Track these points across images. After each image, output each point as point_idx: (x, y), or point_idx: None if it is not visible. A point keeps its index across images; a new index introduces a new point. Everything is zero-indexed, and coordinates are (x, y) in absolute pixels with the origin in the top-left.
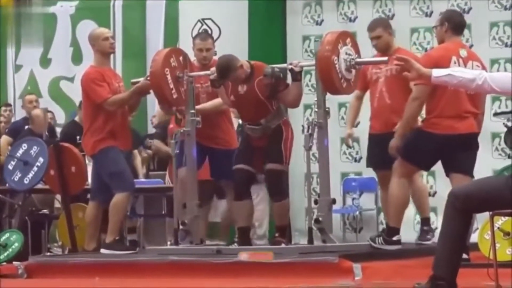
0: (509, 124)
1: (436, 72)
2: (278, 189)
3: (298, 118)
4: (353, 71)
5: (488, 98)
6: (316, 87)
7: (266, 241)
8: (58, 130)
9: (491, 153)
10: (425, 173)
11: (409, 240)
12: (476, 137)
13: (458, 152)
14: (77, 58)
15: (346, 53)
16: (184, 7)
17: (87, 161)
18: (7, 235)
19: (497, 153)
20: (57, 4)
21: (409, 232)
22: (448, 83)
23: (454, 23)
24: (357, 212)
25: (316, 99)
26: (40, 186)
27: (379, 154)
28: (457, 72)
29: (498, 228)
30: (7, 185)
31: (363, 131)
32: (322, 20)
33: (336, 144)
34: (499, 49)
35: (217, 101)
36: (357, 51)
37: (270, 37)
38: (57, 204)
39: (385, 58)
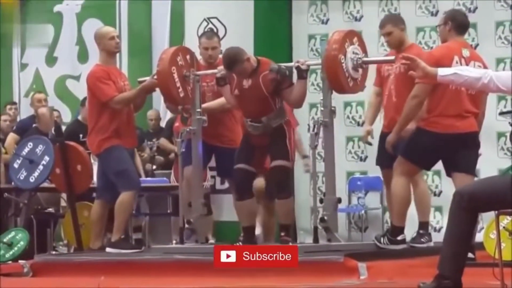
0: None
1: (442, 71)
2: (284, 186)
3: (303, 117)
4: (360, 70)
5: (494, 98)
6: (322, 86)
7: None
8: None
9: (497, 153)
10: (430, 173)
11: None
12: (477, 136)
13: (460, 151)
14: (83, 56)
15: (353, 52)
16: (190, 5)
17: (92, 160)
18: (12, 233)
19: (503, 152)
20: (63, 3)
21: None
22: (454, 82)
23: (458, 23)
24: (363, 211)
25: (321, 98)
26: (45, 184)
27: (384, 153)
28: (463, 71)
29: (504, 227)
30: (12, 183)
31: None
32: (328, 19)
33: (342, 143)
34: (505, 48)
35: (223, 99)
36: (364, 50)
37: (276, 36)
38: (63, 203)
39: (392, 57)
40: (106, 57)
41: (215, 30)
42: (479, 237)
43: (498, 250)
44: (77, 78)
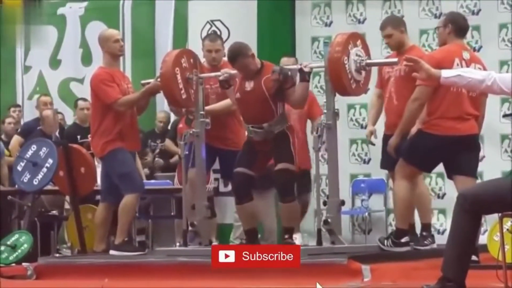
0: None
1: (446, 73)
2: (289, 189)
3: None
4: (363, 72)
5: (497, 100)
6: (325, 88)
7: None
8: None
9: (500, 155)
10: (433, 175)
11: None
12: (477, 138)
13: (461, 154)
14: (86, 59)
15: (356, 55)
16: (193, 7)
17: (96, 163)
18: (16, 236)
19: (506, 154)
20: (66, 5)
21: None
22: (458, 83)
23: (458, 26)
24: (366, 214)
25: (325, 100)
26: (49, 187)
27: (388, 155)
28: (467, 73)
29: (507, 229)
30: (16, 186)
31: None
32: (331, 22)
33: (345, 145)
34: (508, 51)
35: (227, 102)
36: (368, 53)
37: (279, 38)
38: (67, 205)
39: (395, 60)
40: (109, 59)
41: (218, 32)
42: (482, 239)
43: (502, 252)
44: (80, 80)
